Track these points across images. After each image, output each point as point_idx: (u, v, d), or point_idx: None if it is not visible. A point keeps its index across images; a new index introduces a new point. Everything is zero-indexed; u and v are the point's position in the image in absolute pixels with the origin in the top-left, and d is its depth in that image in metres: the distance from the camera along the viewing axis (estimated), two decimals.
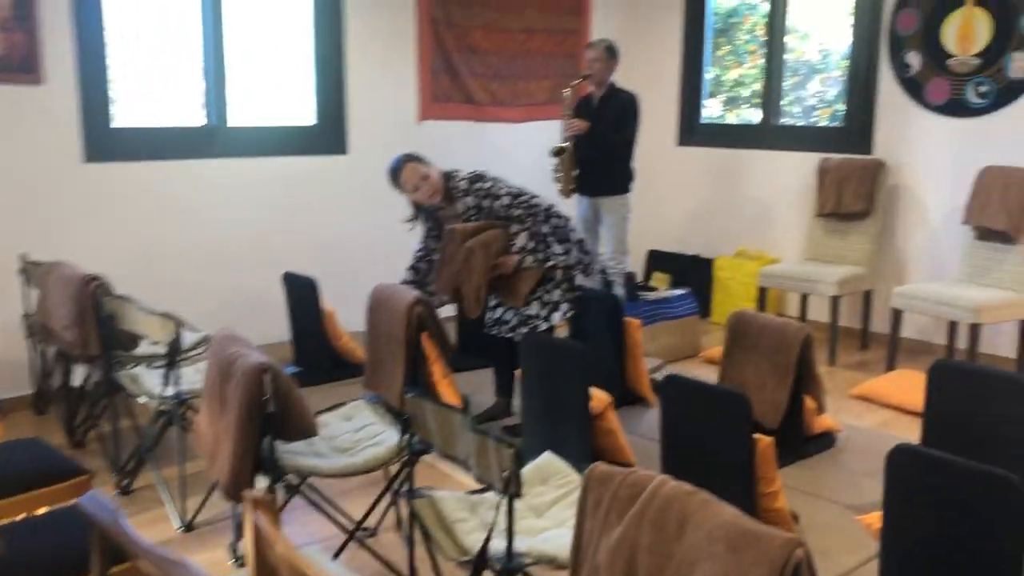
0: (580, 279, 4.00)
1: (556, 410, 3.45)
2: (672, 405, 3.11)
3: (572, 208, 5.31)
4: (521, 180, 6.06)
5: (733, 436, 2.92)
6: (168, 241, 4.68)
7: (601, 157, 5.04)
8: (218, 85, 4.79)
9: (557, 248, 3.88)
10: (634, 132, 5.09)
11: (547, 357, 3.46)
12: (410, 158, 3.95)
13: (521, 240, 3.80)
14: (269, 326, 5.03)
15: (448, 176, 3.95)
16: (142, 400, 3.38)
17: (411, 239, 5.56)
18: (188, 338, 3.64)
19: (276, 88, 5.13)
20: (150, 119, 4.71)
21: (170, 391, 3.16)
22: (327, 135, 5.24)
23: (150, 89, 4.74)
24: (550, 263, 3.87)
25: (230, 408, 2.54)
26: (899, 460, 2.45)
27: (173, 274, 4.69)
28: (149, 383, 3.41)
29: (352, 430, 2.96)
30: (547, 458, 2.59)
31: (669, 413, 3.13)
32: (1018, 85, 4.77)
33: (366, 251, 5.43)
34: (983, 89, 4.90)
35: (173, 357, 3.10)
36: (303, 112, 5.21)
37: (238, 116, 4.91)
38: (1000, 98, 4.84)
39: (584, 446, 3.36)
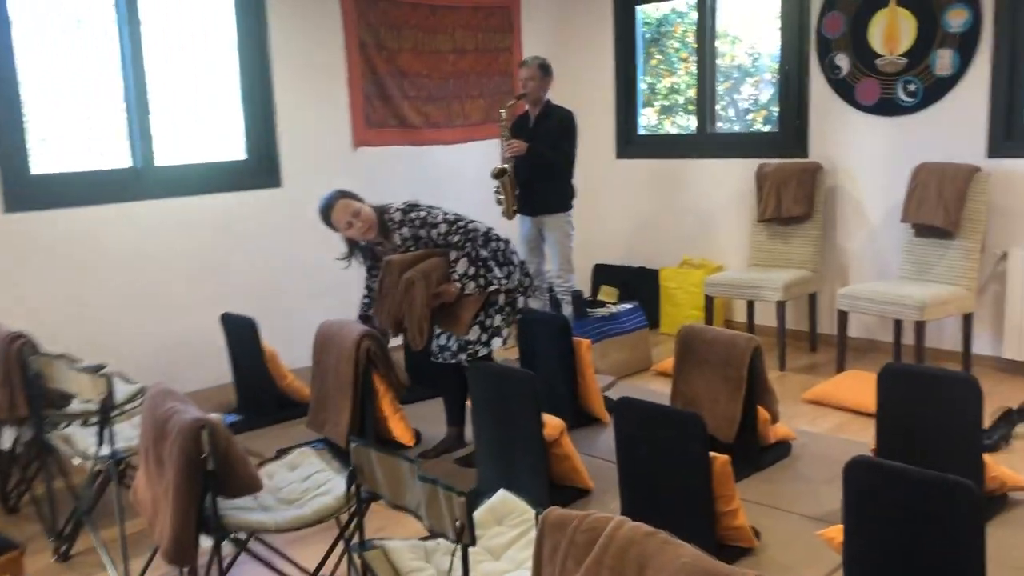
0: (522, 302, 3.94)
1: (509, 439, 3.38)
2: (626, 428, 3.06)
3: (515, 229, 5.27)
4: (462, 201, 6.03)
5: (689, 456, 2.89)
6: (98, 289, 4.51)
7: (541, 176, 5.01)
8: (142, 125, 4.65)
9: (498, 272, 3.81)
10: (574, 149, 5.07)
11: (497, 385, 3.39)
12: (341, 194, 3.84)
13: (461, 267, 3.72)
14: (210, 369, 4.88)
15: (382, 210, 3.85)
16: (76, 461, 3.22)
17: (353, 271, 5.48)
18: (123, 390, 3.49)
19: (203, 124, 5.00)
20: (72, 164, 4.54)
21: (105, 450, 3.01)
22: (259, 169, 5.12)
23: (70, 133, 4.58)
24: (492, 287, 3.79)
25: (168, 468, 2.42)
26: (856, 472, 2.43)
27: (106, 323, 4.53)
28: (83, 442, 3.26)
29: (298, 479, 2.85)
30: (501, 497, 2.51)
31: (624, 436, 3.08)
32: (945, 82, 4.84)
33: (306, 285, 5.31)
34: (912, 88, 4.97)
35: (106, 415, 2.96)
36: (232, 147, 5.08)
37: (166, 155, 4.77)
38: (929, 95, 4.91)
39: (540, 474, 3.30)
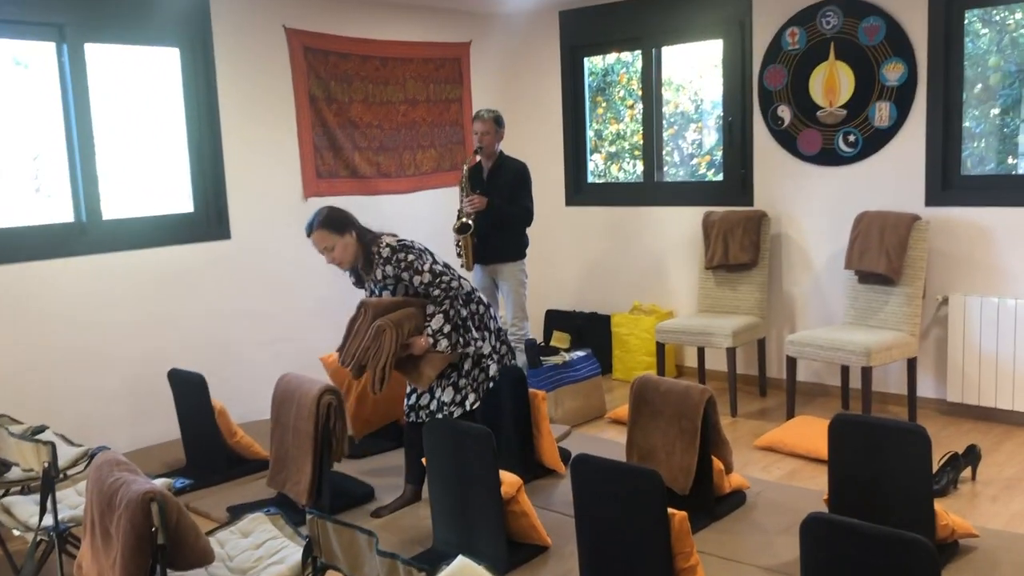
0: (494, 369, 3.91)
1: (466, 496, 3.35)
2: (584, 485, 3.05)
3: (468, 277, 5.26)
4: None
5: (648, 513, 2.88)
6: (42, 346, 4.39)
7: (497, 226, 5.03)
8: (88, 178, 4.57)
9: (474, 334, 3.78)
10: (531, 201, 5.12)
11: (454, 442, 3.36)
12: (323, 223, 3.68)
13: (436, 322, 3.66)
14: (157, 426, 4.78)
15: (373, 238, 3.75)
16: (17, 533, 3.11)
17: (302, 323, 5.43)
18: (66, 453, 3.38)
19: (151, 177, 4.93)
20: (12, 219, 4.43)
21: (48, 521, 2.91)
22: (207, 221, 5.06)
23: (12, 187, 4.48)
24: (465, 349, 3.76)
25: (115, 542, 2.35)
26: (813, 529, 2.45)
27: (49, 381, 4.40)
28: (24, 512, 3.14)
29: (251, 547, 2.78)
30: (460, 564, 2.47)
31: (581, 493, 3.07)
32: (884, 133, 5.00)
33: (256, 337, 5.24)
34: (852, 138, 5.11)
35: (49, 484, 2.87)
36: (180, 199, 5.01)
37: (112, 209, 4.69)
38: (868, 146, 5.06)
39: (497, 532, 3.27)
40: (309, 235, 3.71)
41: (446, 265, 3.77)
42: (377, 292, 3.79)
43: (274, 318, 5.33)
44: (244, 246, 5.16)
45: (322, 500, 3.73)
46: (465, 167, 5.05)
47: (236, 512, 3.66)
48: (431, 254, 3.77)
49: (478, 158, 5.08)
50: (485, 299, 3.91)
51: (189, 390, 4.32)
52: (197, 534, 2.41)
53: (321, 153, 5.49)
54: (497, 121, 5.03)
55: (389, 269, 3.70)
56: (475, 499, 3.30)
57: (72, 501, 3.18)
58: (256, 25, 5.15)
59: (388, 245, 3.70)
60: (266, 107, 5.23)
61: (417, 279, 3.68)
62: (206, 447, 4.34)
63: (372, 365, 3.60)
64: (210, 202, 5.06)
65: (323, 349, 5.50)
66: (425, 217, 6.08)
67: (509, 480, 3.29)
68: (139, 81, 4.84)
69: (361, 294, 3.93)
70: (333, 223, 3.69)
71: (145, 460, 4.52)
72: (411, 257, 3.68)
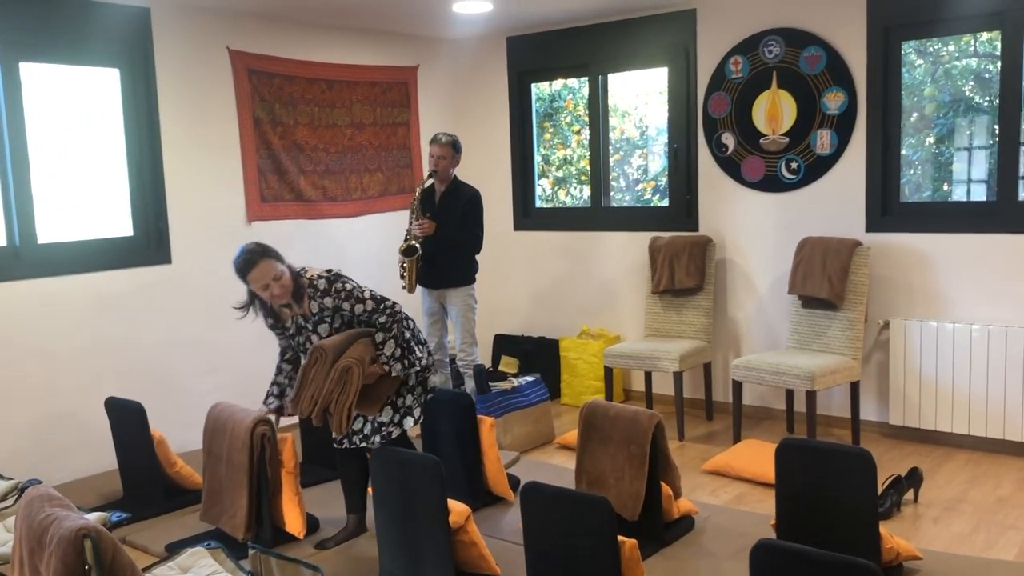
0: (432, 381, 3.86)
1: (414, 526, 3.29)
2: (533, 513, 3.02)
3: (415, 301, 5.23)
4: (360, 274, 5.97)
5: (597, 540, 2.86)
6: None
7: (447, 251, 5.00)
8: (22, 201, 4.43)
9: (418, 351, 3.72)
10: (481, 229, 5.10)
11: (401, 471, 3.30)
12: (264, 253, 3.51)
13: (389, 348, 3.57)
14: (93, 456, 4.64)
15: (297, 274, 3.62)
16: None
17: (245, 351, 5.32)
18: None
19: (88, 199, 4.80)
20: None
21: None
22: (147, 245, 4.94)
23: None
24: (415, 368, 3.69)
25: None
26: (762, 556, 2.46)
27: None
28: None
29: None
30: None
31: (531, 520, 3.04)
32: (825, 160, 5.10)
33: (196, 364, 5.12)
34: (794, 165, 5.21)
35: None
36: (119, 223, 4.89)
37: (47, 232, 4.55)
38: (810, 173, 5.16)
39: (445, 563, 3.21)
40: (246, 270, 3.48)
41: (374, 291, 3.67)
42: (309, 327, 3.63)
43: (216, 346, 5.22)
44: (185, 271, 5.05)
45: (262, 533, 3.63)
46: (418, 189, 5.01)
47: (175, 547, 3.55)
48: (356, 281, 3.72)
49: (431, 181, 5.04)
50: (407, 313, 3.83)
51: (127, 419, 4.19)
52: (134, 571, 2.32)
53: (266, 176, 5.41)
54: (454, 146, 5.01)
55: (328, 301, 3.58)
56: (422, 529, 3.24)
57: (1, 538, 3.05)
58: (199, 46, 5.07)
59: (322, 277, 3.60)
60: (209, 129, 5.15)
61: (359, 307, 3.59)
62: (144, 478, 4.21)
63: (339, 406, 3.44)
64: (150, 226, 4.94)
65: (267, 377, 5.39)
66: (372, 241, 6.03)
67: (457, 509, 3.24)
68: (77, 102, 4.73)
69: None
70: (273, 252, 3.54)
71: (80, 492, 4.37)
72: (349, 286, 3.60)
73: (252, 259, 3.49)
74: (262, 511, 3.66)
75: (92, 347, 4.67)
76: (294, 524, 3.75)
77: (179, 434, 4.73)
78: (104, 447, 4.46)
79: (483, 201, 5.14)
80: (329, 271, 3.65)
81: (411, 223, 4.98)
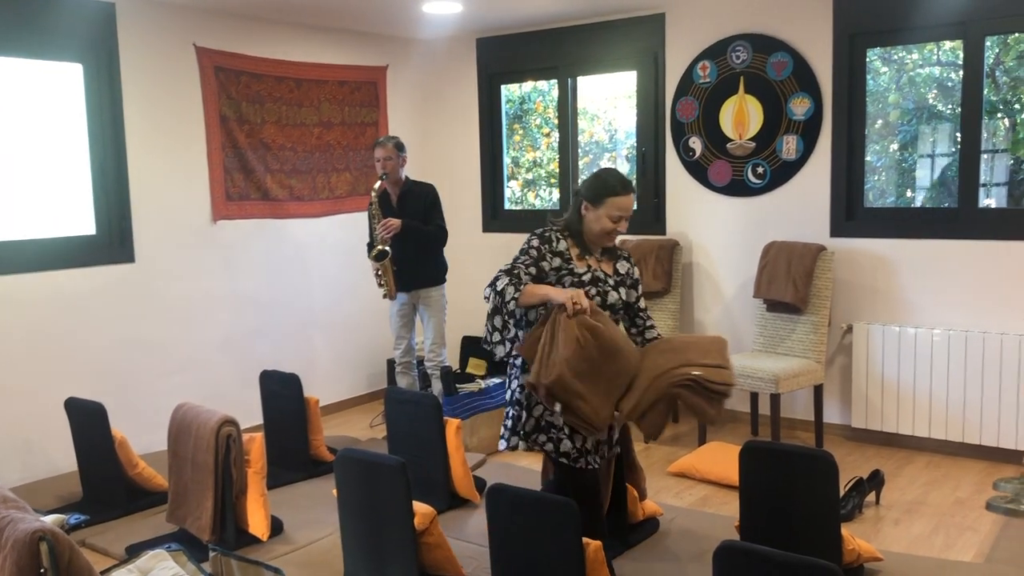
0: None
1: (378, 528, 3.27)
2: (498, 515, 3.02)
3: (386, 302, 5.21)
4: (328, 275, 5.95)
5: (562, 543, 2.86)
6: None
7: (416, 251, 4.99)
8: None
9: None
10: (444, 220, 5.09)
11: (366, 473, 3.28)
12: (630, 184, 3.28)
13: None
14: (53, 458, 4.56)
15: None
16: None
17: (209, 351, 5.26)
18: None
19: (49, 197, 4.72)
20: None
21: None
22: (110, 243, 4.87)
23: None
24: None
25: None
26: (725, 557, 2.47)
27: None
28: None
29: None
30: None
31: (496, 523, 3.03)
32: (791, 166, 5.15)
33: (160, 365, 5.06)
34: (760, 170, 5.25)
35: None
36: (81, 221, 4.81)
37: (6, 229, 4.47)
38: (776, 178, 5.20)
39: (410, 565, 3.19)
40: (626, 193, 3.21)
41: None
42: (610, 284, 3.26)
43: (180, 346, 5.16)
44: (149, 270, 4.99)
45: (226, 535, 3.60)
46: (373, 195, 4.99)
47: (135, 550, 3.50)
48: None
49: (382, 184, 5.01)
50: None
51: (87, 420, 4.12)
52: (91, 574, 2.28)
53: (231, 175, 5.36)
54: (398, 147, 5.00)
55: (635, 272, 3.37)
56: (387, 531, 3.22)
57: None
58: (165, 43, 5.01)
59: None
60: (175, 127, 5.09)
61: (635, 292, 3.36)
62: (105, 479, 4.14)
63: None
64: (113, 224, 4.87)
65: (230, 378, 5.36)
66: (339, 241, 5.99)
67: (422, 511, 3.23)
68: (38, 97, 4.65)
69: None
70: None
71: (38, 494, 4.29)
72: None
73: (631, 188, 3.25)
74: (226, 512, 3.62)
75: (52, 347, 4.59)
76: (258, 526, 3.72)
77: (142, 435, 4.66)
78: (64, 448, 4.39)
79: (449, 200, 5.16)
80: None
81: (373, 229, 4.96)
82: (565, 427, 3.12)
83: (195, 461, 3.69)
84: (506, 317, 3.14)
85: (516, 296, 3.06)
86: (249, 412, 4.98)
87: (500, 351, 3.21)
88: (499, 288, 3.11)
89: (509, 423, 3.30)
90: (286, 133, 5.63)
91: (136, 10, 4.86)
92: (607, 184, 3.20)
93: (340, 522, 3.42)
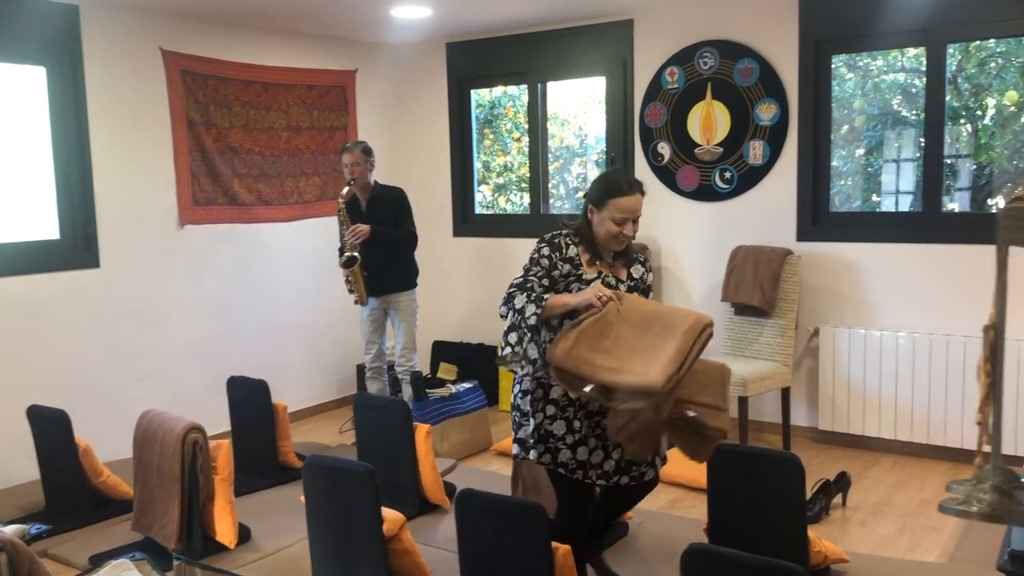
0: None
1: (347, 535, 3.25)
2: (468, 519, 3.01)
3: (356, 306, 5.19)
4: (297, 279, 5.91)
5: (531, 547, 2.86)
6: None
7: (386, 256, 4.98)
8: None
9: None
10: (414, 225, 5.09)
11: (334, 480, 3.26)
12: (640, 185, 3.08)
13: None
14: (14, 467, 4.48)
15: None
16: None
17: (175, 357, 5.21)
18: None
19: (11, 201, 4.65)
20: None
21: None
22: (74, 248, 4.80)
23: None
24: None
25: None
26: (693, 560, 2.48)
27: None
28: None
29: None
30: None
31: (465, 528, 3.02)
32: (758, 171, 5.19)
33: (125, 371, 5.00)
34: (728, 175, 5.29)
35: None
36: (45, 225, 4.74)
37: None
38: (743, 183, 5.25)
39: (379, 572, 3.17)
40: (630, 193, 3.01)
41: None
42: (614, 286, 3.08)
43: (146, 352, 5.10)
44: (114, 275, 4.93)
45: (193, 543, 3.56)
46: (340, 200, 4.97)
47: (98, 559, 3.45)
48: None
49: (350, 189, 4.99)
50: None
51: (50, 428, 4.06)
52: None
53: (199, 179, 5.31)
54: (366, 152, 4.99)
55: (648, 278, 3.22)
56: (356, 538, 3.20)
57: None
58: (131, 46, 4.96)
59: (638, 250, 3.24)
60: (141, 131, 5.03)
61: (650, 296, 3.26)
62: (68, 488, 4.08)
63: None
64: (78, 228, 4.81)
65: (197, 385, 5.30)
66: (308, 246, 5.96)
67: (391, 517, 3.21)
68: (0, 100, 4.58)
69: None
70: (644, 192, 3.08)
71: None
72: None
73: (638, 188, 3.04)
74: (193, 520, 3.59)
75: (14, 353, 4.52)
76: (225, 533, 3.68)
77: (107, 443, 4.60)
78: (26, 457, 4.31)
79: (419, 204, 5.15)
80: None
81: (343, 235, 4.94)
82: (565, 437, 3.02)
83: (161, 468, 3.64)
84: (523, 332, 2.99)
85: (538, 312, 2.93)
86: (217, 418, 4.93)
87: (519, 370, 3.04)
88: (518, 306, 3.00)
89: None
90: (254, 137, 5.59)
91: (100, 13, 4.81)
92: (610, 185, 3.04)
93: (308, 529, 3.39)
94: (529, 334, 2.96)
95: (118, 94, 4.91)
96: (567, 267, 3.08)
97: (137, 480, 3.78)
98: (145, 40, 5.02)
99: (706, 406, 2.89)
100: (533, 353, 2.97)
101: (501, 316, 3.06)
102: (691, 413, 2.80)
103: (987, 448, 1.88)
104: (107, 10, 4.83)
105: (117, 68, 4.90)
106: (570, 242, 3.12)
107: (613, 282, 3.07)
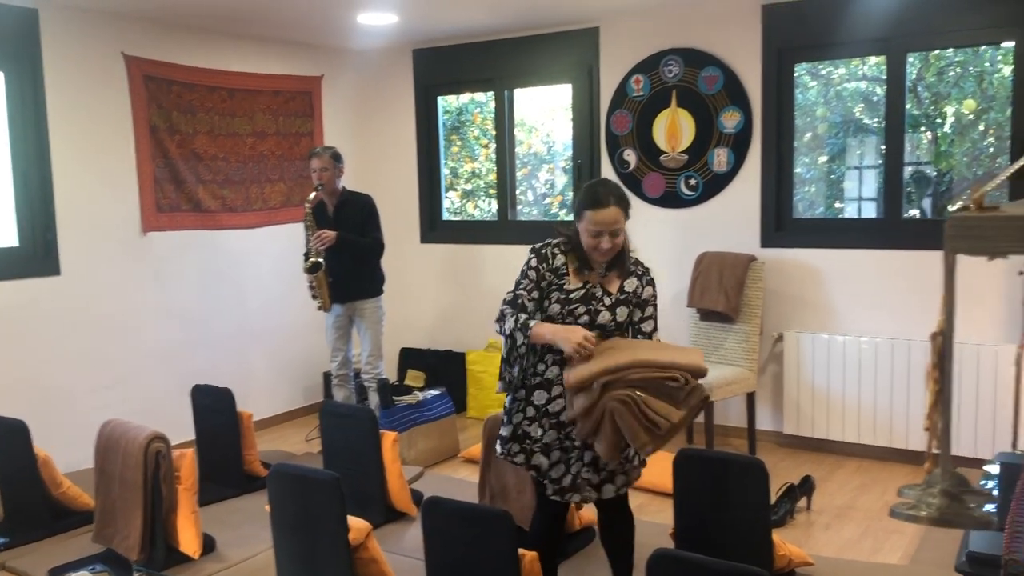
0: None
1: (312, 544, 3.22)
2: (434, 527, 3.00)
3: (322, 313, 5.16)
4: (262, 287, 5.87)
5: (498, 554, 2.85)
6: None
7: (352, 262, 4.95)
8: None
9: None
10: (381, 233, 5.07)
11: (300, 488, 3.24)
12: (621, 201, 2.92)
13: None
14: None
15: (627, 245, 3.05)
16: None
17: (138, 366, 5.14)
18: None
19: None
20: None
21: None
22: (34, 255, 4.73)
23: None
24: None
25: None
26: (659, 566, 2.49)
27: None
28: None
29: None
30: None
31: (432, 535, 3.01)
32: (722, 178, 5.24)
33: (86, 381, 4.92)
34: (692, 182, 5.33)
35: None
36: (2, 232, 4.66)
37: None
38: (708, 190, 5.29)
39: None
40: (598, 207, 2.87)
41: None
42: (605, 302, 2.97)
43: (108, 361, 5.03)
44: (75, 283, 4.85)
45: (156, 553, 3.51)
46: (307, 205, 4.95)
47: (58, 572, 3.39)
48: None
49: (317, 195, 4.97)
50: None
51: (9, 438, 3.99)
52: None
53: (162, 186, 5.25)
54: (335, 157, 4.97)
55: (648, 292, 3.03)
56: (321, 547, 3.18)
57: None
58: (92, 51, 4.89)
59: (642, 263, 3.08)
60: (102, 137, 4.97)
61: (649, 310, 3.03)
62: (27, 500, 4.01)
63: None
64: (37, 235, 4.73)
65: (161, 393, 5.24)
66: (273, 252, 5.91)
67: (357, 526, 3.19)
68: None
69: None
70: (627, 212, 2.93)
71: None
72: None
73: (614, 200, 2.89)
74: (156, 530, 3.54)
75: None
76: (189, 544, 3.64)
77: (67, 453, 4.52)
78: None
79: (387, 211, 5.13)
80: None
81: (308, 241, 4.92)
82: (539, 441, 2.98)
83: (123, 478, 3.60)
84: (517, 360, 2.97)
85: (525, 342, 2.90)
86: (181, 427, 4.87)
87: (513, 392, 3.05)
88: (507, 331, 2.95)
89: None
90: (219, 143, 5.55)
91: (61, 17, 4.74)
92: (586, 195, 2.92)
93: (273, 538, 3.36)
94: (521, 361, 2.96)
95: (79, 99, 4.85)
96: (552, 276, 3.03)
97: (98, 491, 3.73)
98: (107, 45, 4.96)
99: (661, 377, 2.75)
100: (516, 368, 2.98)
101: (498, 333, 3.04)
102: (639, 393, 2.74)
103: (936, 450, 1.91)
104: (68, 14, 4.77)
105: (78, 73, 4.84)
106: (558, 251, 3.05)
107: (599, 294, 2.98)
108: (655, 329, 3.02)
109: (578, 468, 2.97)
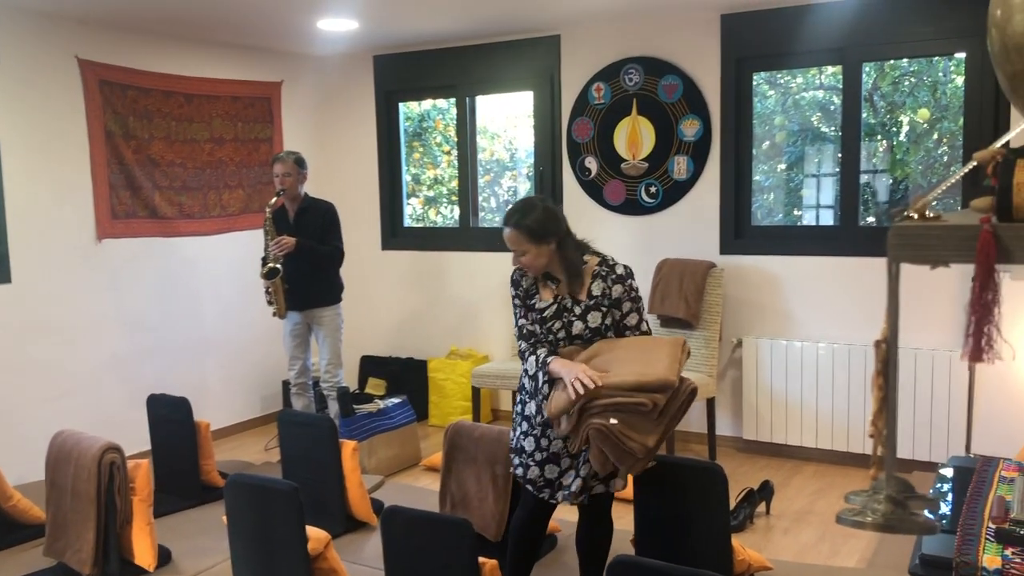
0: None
1: (271, 554, 3.18)
2: (394, 537, 2.97)
3: (279, 321, 5.10)
4: (220, 294, 5.79)
5: (458, 563, 2.84)
6: None
7: (310, 270, 4.91)
8: None
9: None
10: (342, 241, 5.03)
11: (258, 498, 3.20)
12: (519, 226, 2.95)
13: None
14: None
15: (585, 248, 3.10)
16: None
17: (92, 377, 5.05)
18: None
19: None
20: None
21: None
22: None
23: None
24: None
25: None
26: (620, 573, 2.49)
27: None
28: None
29: None
30: None
31: (392, 544, 2.99)
32: (682, 185, 5.28)
33: (37, 391, 4.82)
34: (653, 190, 5.37)
35: None
36: None
37: None
38: (668, 197, 5.33)
39: None
40: (507, 225, 2.97)
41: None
42: (576, 312, 2.97)
43: (61, 370, 4.93)
44: (27, 292, 4.75)
45: (109, 567, 3.44)
46: (268, 210, 4.90)
47: None
48: None
49: (279, 200, 4.93)
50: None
51: None
52: None
53: (117, 192, 5.17)
54: (299, 163, 4.93)
55: (617, 290, 2.99)
56: (280, 557, 3.14)
57: None
58: (45, 55, 4.80)
59: (620, 264, 3.06)
60: (55, 142, 4.87)
61: (632, 317, 3.02)
62: None
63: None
64: None
65: (116, 403, 5.14)
66: (231, 260, 5.84)
67: (316, 536, 3.16)
68: None
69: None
70: (532, 232, 2.94)
71: None
72: (639, 289, 3.07)
73: (510, 222, 2.95)
74: (109, 543, 3.47)
75: None
76: (144, 556, 3.57)
77: (17, 466, 4.43)
78: None
79: (347, 218, 5.09)
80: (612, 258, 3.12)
81: (267, 246, 4.87)
82: (535, 453, 3.01)
83: (75, 490, 3.52)
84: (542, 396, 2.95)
85: (546, 379, 2.91)
86: (137, 437, 4.79)
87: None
88: (531, 371, 2.98)
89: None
90: (176, 149, 5.47)
91: (11, 20, 4.65)
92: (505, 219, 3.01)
93: (231, 549, 3.31)
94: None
95: (31, 104, 4.76)
96: (526, 297, 3.08)
97: (50, 503, 3.65)
98: (60, 49, 4.87)
99: (633, 403, 2.76)
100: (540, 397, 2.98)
101: (523, 371, 3.08)
102: (613, 421, 2.77)
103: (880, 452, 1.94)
104: (19, 17, 4.68)
105: (30, 77, 4.74)
106: (524, 272, 3.09)
107: (570, 304, 2.99)
108: (641, 320, 3.04)
109: (587, 471, 2.99)
